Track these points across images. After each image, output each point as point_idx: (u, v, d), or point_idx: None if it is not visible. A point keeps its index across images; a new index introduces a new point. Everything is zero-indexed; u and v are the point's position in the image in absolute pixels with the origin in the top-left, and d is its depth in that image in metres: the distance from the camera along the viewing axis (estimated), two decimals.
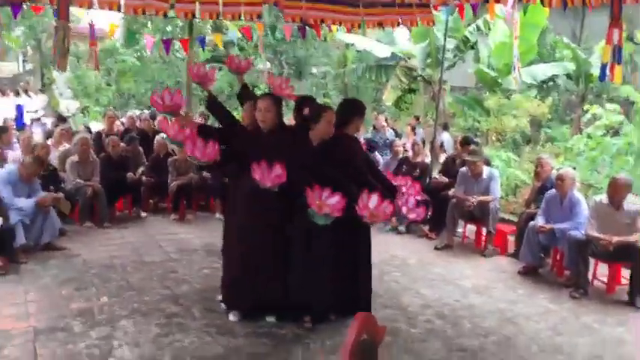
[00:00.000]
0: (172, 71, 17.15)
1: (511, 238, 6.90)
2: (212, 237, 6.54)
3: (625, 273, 5.60)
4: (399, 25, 7.49)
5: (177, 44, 13.72)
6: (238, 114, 6.04)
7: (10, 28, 19.97)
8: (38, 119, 14.30)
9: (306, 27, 7.89)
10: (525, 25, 11.97)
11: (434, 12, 7.43)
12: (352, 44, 15.75)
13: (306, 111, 4.59)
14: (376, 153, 8.81)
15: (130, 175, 7.77)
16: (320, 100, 16.11)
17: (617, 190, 5.43)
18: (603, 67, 4.83)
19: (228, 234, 4.75)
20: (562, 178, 5.98)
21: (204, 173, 7.85)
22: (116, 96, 18.43)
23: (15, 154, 7.69)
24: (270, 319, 4.50)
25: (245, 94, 5.13)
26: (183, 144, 4.27)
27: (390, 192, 4.40)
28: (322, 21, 7.15)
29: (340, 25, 7.71)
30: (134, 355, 3.88)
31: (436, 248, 6.96)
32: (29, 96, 16.28)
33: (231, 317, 4.53)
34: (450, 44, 12.76)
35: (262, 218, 4.37)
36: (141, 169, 8.21)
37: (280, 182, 4.08)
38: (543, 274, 6.16)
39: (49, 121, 13.22)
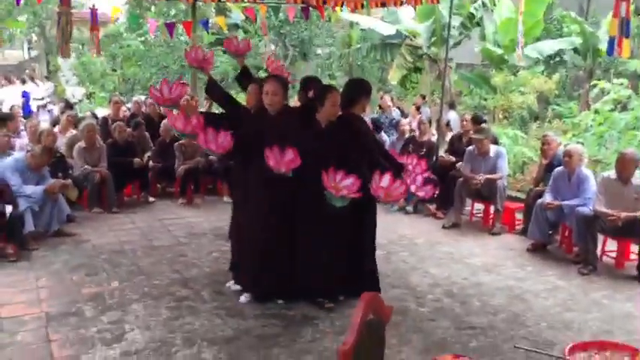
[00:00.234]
0: (177, 55, 17.06)
1: (519, 216, 6.90)
2: (220, 220, 6.57)
3: (634, 248, 5.59)
4: (402, 4, 7.41)
5: (180, 28, 13.66)
6: (240, 98, 6.02)
7: (13, 15, 19.98)
8: (44, 106, 14.36)
9: (310, 8, 7.85)
10: (532, 0, 11.86)
11: None
12: (357, 23, 15.62)
13: (310, 93, 4.58)
14: (382, 133, 8.78)
15: (137, 160, 7.79)
16: (325, 81, 16.08)
17: (625, 165, 5.40)
18: (611, 41, 4.78)
19: (236, 217, 4.77)
20: (570, 155, 5.95)
21: (211, 157, 7.86)
22: (121, 81, 18.40)
23: (22, 141, 7.73)
24: (280, 301, 4.53)
25: (245, 77, 5.11)
26: (194, 136, 4.27)
27: (398, 170, 4.40)
28: (325, 1, 7.08)
29: (343, 6, 7.63)
30: (145, 338, 3.92)
31: (444, 227, 6.96)
32: (35, 83, 16.32)
33: (242, 299, 4.56)
34: (455, 21, 12.63)
35: (270, 201, 4.38)
36: (147, 154, 8.23)
37: (295, 166, 4.08)
38: (552, 250, 6.16)
39: (55, 108, 13.26)
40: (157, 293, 4.73)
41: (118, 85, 18.18)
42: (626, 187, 5.41)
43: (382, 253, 4.90)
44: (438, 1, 7.79)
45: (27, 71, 17.79)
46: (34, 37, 23.26)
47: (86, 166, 7.23)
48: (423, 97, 12.89)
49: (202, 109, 9.26)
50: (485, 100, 13.45)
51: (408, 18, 14.83)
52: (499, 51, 13.39)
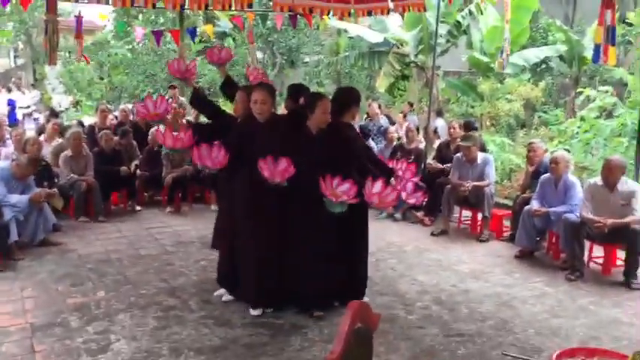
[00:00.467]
0: (164, 63, 17.02)
1: (506, 223, 6.93)
2: (208, 229, 6.52)
3: (620, 254, 5.61)
4: (389, 12, 7.43)
5: (168, 36, 13.63)
6: (226, 107, 6.02)
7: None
8: (30, 114, 14.26)
9: (298, 15, 7.85)
10: (517, 8, 11.99)
11: None
12: (345, 30, 15.68)
13: (301, 100, 4.59)
14: (370, 140, 8.79)
15: (123, 168, 7.74)
16: (314, 89, 16.09)
17: (611, 172, 5.44)
18: (597, 49, 4.82)
19: (223, 227, 4.73)
20: (556, 162, 5.98)
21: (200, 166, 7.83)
22: (108, 90, 18.31)
23: (7, 150, 7.66)
24: (268, 310, 4.50)
25: (229, 86, 5.10)
26: (185, 150, 4.26)
27: (388, 176, 4.45)
28: (311, 10, 7.08)
29: (329, 15, 7.65)
30: (132, 348, 3.88)
31: (432, 234, 6.97)
32: (21, 91, 16.20)
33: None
34: (443, 30, 12.72)
35: (261, 208, 4.36)
36: (135, 163, 8.18)
37: (289, 175, 4.07)
38: (539, 257, 6.18)
39: (41, 117, 13.17)
40: (144, 303, 4.68)
41: (106, 94, 18.09)
42: (613, 193, 5.45)
43: (371, 260, 4.90)
44: (425, 10, 7.80)
45: (13, 79, 17.65)
46: (21, 45, 23.12)
47: (72, 175, 7.18)
48: (411, 105, 12.94)
49: (190, 117, 9.25)
50: (473, 107, 13.53)
51: (395, 26, 14.91)
52: (486, 59, 13.49)
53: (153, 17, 17.91)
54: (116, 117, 10.30)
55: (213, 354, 3.84)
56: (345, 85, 16.84)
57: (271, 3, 8.11)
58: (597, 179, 5.63)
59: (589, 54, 12.52)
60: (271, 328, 4.25)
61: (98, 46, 18.90)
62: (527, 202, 6.29)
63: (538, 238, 6.21)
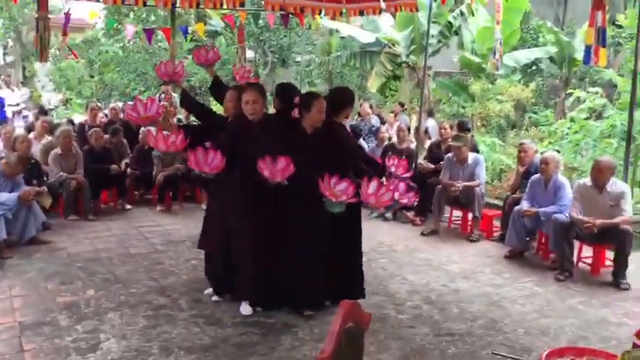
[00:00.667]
0: (155, 61, 16.94)
1: (497, 223, 6.96)
2: (198, 228, 6.42)
3: (609, 255, 5.65)
4: (381, 12, 7.43)
5: (160, 34, 13.57)
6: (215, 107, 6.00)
7: None
8: (20, 112, 14.15)
9: (290, 15, 7.84)
10: (508, 9, 12.02)
11: None
12: (337, 30, 15.68)
13: (296, 100, 4.58)
14: (361, 140, 8.81)
15: (114, 166, 7.71)
16: (305, 89, 16.09)
17: (600, 173, 5.47)
18: (587, 50, 4.85)
19: (214, 228, 4.69)
20: (546, 162, 6.01)
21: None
22: (99, 88, 18.22)
23: None
24: (259, 309, 4.50)
25: (217, 87, 5.09)
26: (178, 153, 4.22)
27: (380, 174, 4.49)
28: (302, 9, 7.07)
29: (320, 14, 7.63)
30: (121, 347, 3.86)
31: (422, 234, 6.98)
32: (10, 89, 16.07)
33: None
34: (434, 30, 12.74)
35: (256, 209, 4.35)
36: (125, 161, 8.15)
37: (289, 174, 4.06)
38: (529, 257, 6.21)
39: (31, 114, 13.08)
40: (134, 302, 4.66)
41: (96, 92, 17.99)
42: (602, 194, 5.48)
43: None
44: (417, 10, 7.81)
45: (2, 77, 17.50)
46: (10, 43, 22.95)
47: (62, 173, 7.14)
48: (402, 105, 12.96)
49: (182, 116, 9.22)
50: (464, 108, 13.57)
51: (387, 26, 14.92)
52: (477, 59, 13.53)
53: (144, 15, 17.84)
54: (106, 115, 10.24)
55: (204, 353, 3.83)
56: (337, 84, 16.85)
57: (263, 2, 8.08)
58: (587, 180, 5.66)
59: (579, 55, 12.61)
60: (262, 328, 4.24)
61: (88, 44, 18.79)
62: (517, 202, 6.33)
63: (528, 239, 6.25)
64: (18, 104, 14.94)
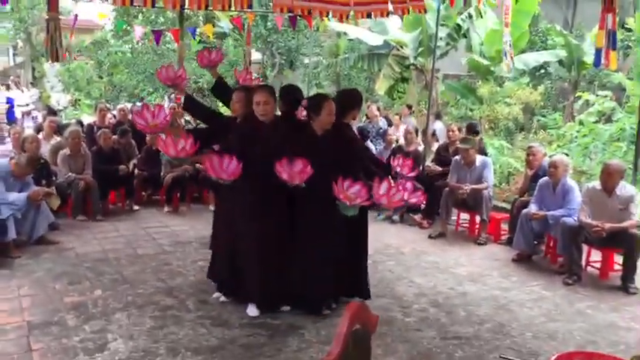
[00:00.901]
0: (164, 63, 17.02)
1: (504, 226, 6.93)
2: (206, 229, 6.50)
3: (618, 259, 5.62)
4: (388, 15, 7.43)
5: (168, 36, 13.61)
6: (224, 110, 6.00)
7: None
8: (29, 113, 14.24)
9: (298, 17, 7.85)
10: (517, 12, 11.99)
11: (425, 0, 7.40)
12: (344, 33, 15.68)
13: (304, 102, 4.58)
14: (368, 142, 8.80)
15: (122, 167, 7.74)
16: (313, 90, 16.10)
17: (609, 176, 5.44)
18: (598, 53, 4.81)
19: (224, 230, 4.68)
20: (555, 165, 5.99)
21: (198, 165, 7.82)
22: (108, 88, 18.30)
23: (6, 147, 7.65)
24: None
25: (220, 88, 5.09)
26: (188, 158, 4.21)
27: (387, 173, 4.53)
28: (310, 12, 7.07)
29: (328, 16, 7.64)
30: (128, 348, 3.87)
31: (430, 237, 6.97)
32: (20, 90, 16.18)
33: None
34: (442, 32, 12.71)
35: (266, 212, 4.34)
36: (133, 162, 8.17)
37: (308, 176, 4.05)
38: (537, 261, 6.18)
39: (40, 115, 13.15)
40: (141, 302, 4.68)
41: (104, 93, 18.07)
42: (611, 197, 5.45)
43: (368, 262, 4.90)
44: (425, 11, 7.79)
45: (11, 77, 17.61)
46: (20, 44, 23.09)
47: (70, 174, 7.17)
48: (410, 107, 12.95)
49: (189, 117, 9.22)
50: (472, 110, 13.53)
51: (395, 28, 14.91)
52: (485, 62, 13.49)
53: (153, 17, 17.90)
54: (114, 116, 10.29)
55: (211, 354, 3.83)
56: (345, 87, 16.84)
57: (271, 4, 8.08)
58: (596, 183, 5.63)
59: (588, 58, 12.56)
60: (269, 329, 4.24)
61: (97, 45, 18.87)
62: (525, 205, 6.30)
63: (536, 242, 6.22)
64: (27, 105, 15.04)
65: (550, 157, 6.76)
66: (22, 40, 22.09)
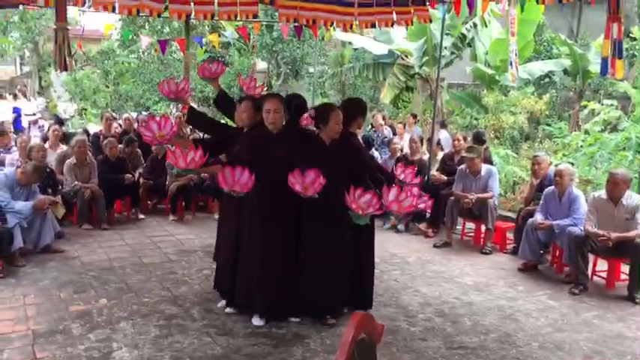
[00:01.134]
0: (170, 72, 17.09)
1: (510, 235, 6.91)
2: (211, 238, 6.50)
3: (624, 268, 5.59)
4: (393, 25, 7.44)
5: (174, 45, 13.68)
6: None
7: (7, 31, 19.98)
8: (36, 122, 14.32)
9: (303, 26, 7.88)
10: (522, 21, 11.98)
11: (430, 9, 7.41)
12: (349, 42, 15.71)
13: (311, 112, 4.59)
14: (373, 150, 8.80)
15: (127, 176, 7.76)
16: (318, 100, 16.12)
17: (615, 186, 5.43)
18: (604, 62, 4.80)
19: (231, 241, 4.66)
20: (560, 175, 5.97)
21: (203, 174, 7.83)
22: (114, 98, 18.39)
23: (12, 156, 7.69)
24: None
25: (223, 101, 5.10)
26: (197, 170, 4.21)
27: (390, 181, 4.51)
28: (314, 21, 7.10)
29: (332, 26, 7.67)
30: (133, 356, 3.87)
31: (435, 246, 6.95)
32: (27, 99, 16.29)
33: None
34: (447, 42, 12.72)
35: (272, 221, 4.34)
36: (139, 171, 8.20)
37: (321, 187, 4.02)
38: (543, 270, 6.15)
39: (46, 124, 13.22)
40: (146, 311, 4.68)
41: (111, 102, 18.15)
42: (617, 207, 5.44)
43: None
44: (430, 21, 7.81)
45: (18, 87, 17.74)
46: (27, 53, 23.26)
47: (76, 183, 7.20)
48: (414, 116, 12.94)
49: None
50: (477, 119, 13.51)
51: (400, 37, 14.93)
52: (490, 71, 13.49)
53: (159, 27, 18.00)
54: (120, 125, 10.33)
55: None
56: (350, 96, 16.86)
57: (277, 14, 8.12)
58: (602, 193, 5.62)
59: (593, 67, 12.54)
60: (274, 338, 4.23)
61: (104, 55, 18.98)
62: (530, 214, 6.28)
63: (542, 252, 6.19)
64: (34, 114, 15.14)
65: (556, 166, 6.74)
66: (29, 49, 22.26)
